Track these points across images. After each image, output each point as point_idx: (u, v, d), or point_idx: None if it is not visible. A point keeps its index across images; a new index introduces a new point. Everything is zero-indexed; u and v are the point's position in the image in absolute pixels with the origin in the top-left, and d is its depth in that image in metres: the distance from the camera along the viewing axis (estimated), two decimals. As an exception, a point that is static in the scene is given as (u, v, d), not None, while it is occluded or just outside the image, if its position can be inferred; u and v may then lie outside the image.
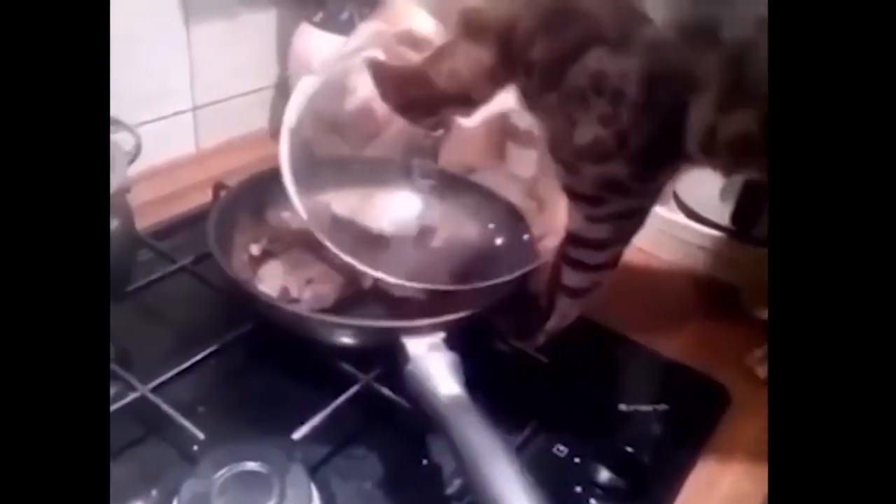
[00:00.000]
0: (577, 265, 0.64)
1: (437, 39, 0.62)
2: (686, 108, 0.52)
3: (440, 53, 0.60)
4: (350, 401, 0.59)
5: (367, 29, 0.66)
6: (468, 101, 0.62)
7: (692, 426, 0.64)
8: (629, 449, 0.59)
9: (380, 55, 0.63)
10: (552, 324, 0.68)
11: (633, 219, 0.62)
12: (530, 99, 0.60)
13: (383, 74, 0.62)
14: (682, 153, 0.55)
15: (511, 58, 0.58)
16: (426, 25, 0.63)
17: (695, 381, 0.68)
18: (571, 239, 0.63)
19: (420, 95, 0.62)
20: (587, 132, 0.55)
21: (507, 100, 0.67)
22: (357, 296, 0.70)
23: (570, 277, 0.65)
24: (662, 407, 0.65)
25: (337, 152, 0.78)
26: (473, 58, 0.59)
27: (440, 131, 0.72)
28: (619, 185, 0.58)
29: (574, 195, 0.61)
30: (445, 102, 0.62)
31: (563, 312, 0.67)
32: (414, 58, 0.62)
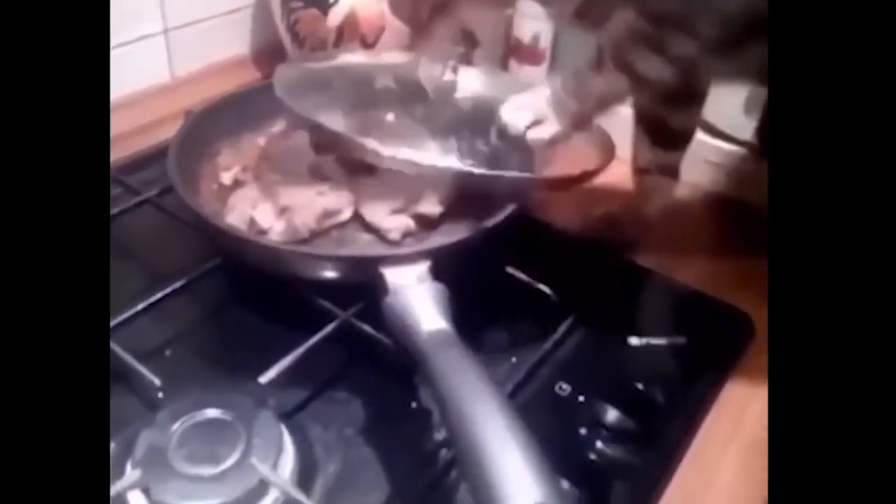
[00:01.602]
0: None
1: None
2: None
3: None
4: (328, 339, 0.53)
5: None
6: None
7: (711, 360, 0.57)
8: (640, 386, 0.53)
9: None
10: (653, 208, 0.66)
11: None
12: None
13: None
14: None
15: None
16: None
17: (715, 311, 0.62)
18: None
19: None
20: None
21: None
22: (336, 228, 0.64)
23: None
24: (679, 340, 0.58)
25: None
26: None
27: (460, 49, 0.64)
28: None
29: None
30: None
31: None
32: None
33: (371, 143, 0.56)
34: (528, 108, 0.59)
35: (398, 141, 0.66)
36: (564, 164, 0.62)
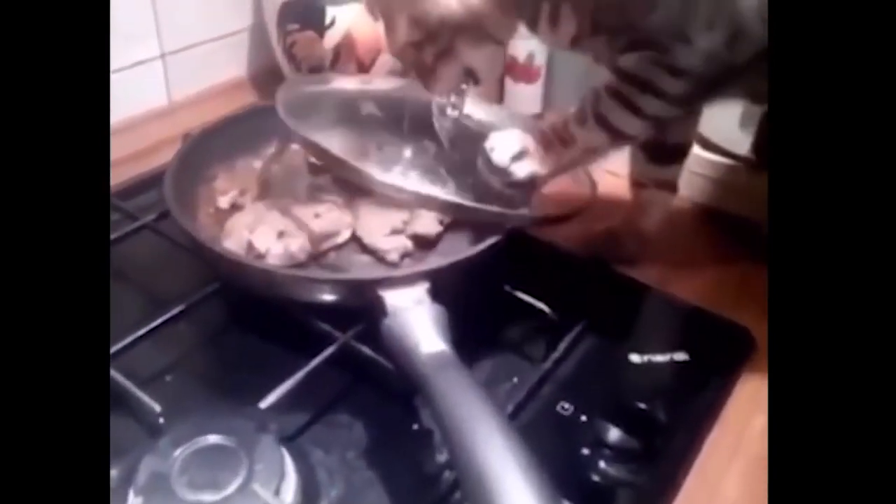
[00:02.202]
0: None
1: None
2: None
3: None
4: (328, 362, 0.53)
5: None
6: (478, 30, 0.59)
7: (713, 376, 0.57)
8: (642, 405, 0.53)
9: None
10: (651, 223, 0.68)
11: None
12: None
13: None
14: None
15: None
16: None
17: (715, 326, 0.61)
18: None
19: (419, 20, 0.58)
20: None
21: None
22: (333, 250, 0.64)
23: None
24: (679, 356, 0.58)
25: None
26: None
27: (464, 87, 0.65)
28: None
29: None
30: (454, 29, 0.58)
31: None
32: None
33: (366, 168, 0.57)
34: (514, 141, 0.60)
35: (388, 166, 0.67)
36: (549, 202, 0.64)
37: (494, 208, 0.58)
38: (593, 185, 0.66)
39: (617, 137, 0.59)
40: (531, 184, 0.61)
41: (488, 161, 0.61)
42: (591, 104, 0.59)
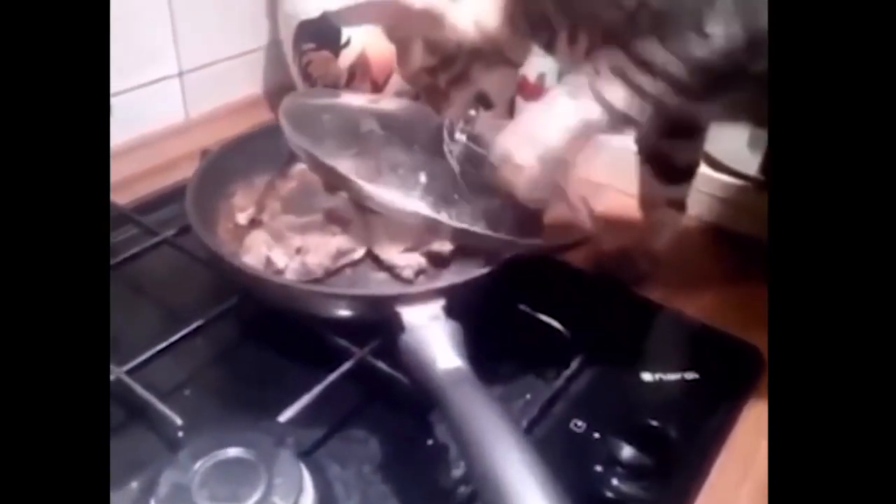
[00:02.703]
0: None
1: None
2: None
3: None
4: (345, 377, 0.54)
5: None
6: (492, 52, 0.59)
7: (724, 394, 0.58)
8: (654, 422, 0.53)
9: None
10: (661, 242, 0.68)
11: None
12: None
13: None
14: None
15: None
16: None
17: (725, 345, 0.62)
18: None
19: (436, 45, 0.59)
20: None
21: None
22: (349, 267, 0.65)
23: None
24: (690, 375, 0.59)
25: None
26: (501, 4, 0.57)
27: (472, 112, 0.66)
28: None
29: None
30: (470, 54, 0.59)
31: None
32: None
33: (367, 186, 0.57)
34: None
35: (402, 189, 0.68)
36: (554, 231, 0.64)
37: (504, 236, 0.58)
38: (591, 215, 0.66)
39: (614, 116, 0.56)
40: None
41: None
42: (591, 81, 0.56)
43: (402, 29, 0.62)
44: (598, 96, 0.56)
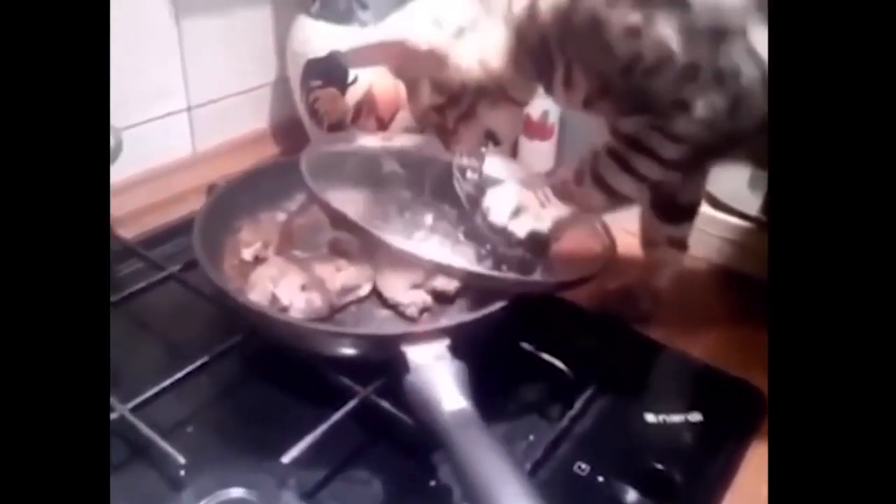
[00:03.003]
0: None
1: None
2: None
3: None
4: (348, 417, 0.54)
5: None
6: (496, 91, 0.61)
7: (728, 436, 0.57)
8: (659, 465, 0.53)
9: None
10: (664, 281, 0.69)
11: None
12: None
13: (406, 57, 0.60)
14: None
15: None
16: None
17: (729, 386, 0.62)
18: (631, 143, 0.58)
19: (442, 84, 0.60)
20: None
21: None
22: (354, 304, 0.65)
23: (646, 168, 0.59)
24: (694, 416, 0.59)
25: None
26: (504, 43, 0.58)
27: (483, 150, 0.67)
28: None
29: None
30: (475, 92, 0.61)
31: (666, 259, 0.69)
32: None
33: (384, 235, 0.58)
34: (509, 198, 0.62)
35: (409, 231, 0.68)
36: (564, 266, 0.65)
37: (512, 275, 0.59)
38: (612, 242, 0.66)
39: (613, 197, 0.60)
40: (539, 243, 0.62)
41: (487, 222, 0.61)
42: (590, 164, 0.60)
43: (409, 69, 0.64)
44: (596, 179, 0.59)
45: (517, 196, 0.62)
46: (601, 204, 0.61)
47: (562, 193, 0.62)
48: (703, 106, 0.53)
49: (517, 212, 0.61)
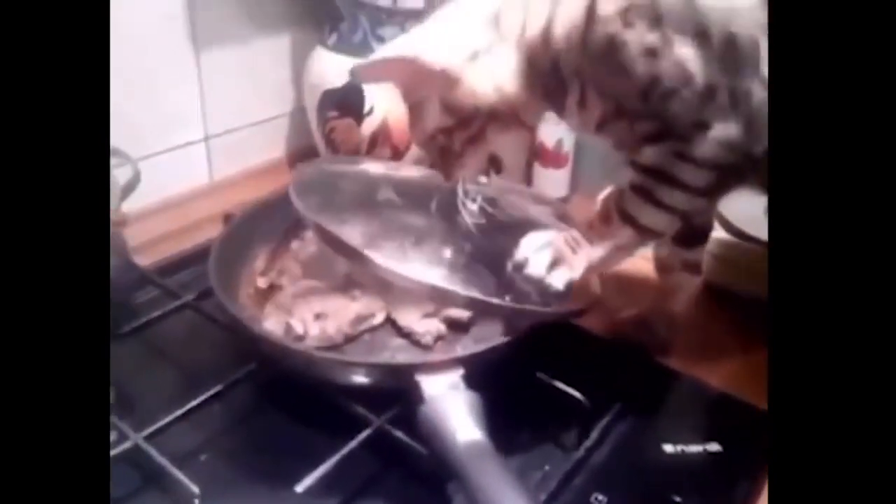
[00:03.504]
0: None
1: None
2: None
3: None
4: (362, 446, 0.53)
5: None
6: (508, 115, 0.60)
7: (746, 467, 0.56)
8: (677, 497, 0.52)
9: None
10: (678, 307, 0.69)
11: None
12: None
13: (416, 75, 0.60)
14: None
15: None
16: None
17: (748, 415, 0.61)
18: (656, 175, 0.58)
19: (453, 106, 0.60)
20: None
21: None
22: (368, 332, 0.65)
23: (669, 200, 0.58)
24: (713, 446, 0.58)
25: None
26: (517, 67, 0.58)
27: (484, 179, 0.67)
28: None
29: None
30: (486, 115, 0.60)
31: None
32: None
33: (377, 258, 0.57)
34: (545, 249, 0.60)
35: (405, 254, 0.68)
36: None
37: (514, 304, 0.58)
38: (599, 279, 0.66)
39: (644, 234, 0.60)
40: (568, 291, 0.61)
41: (522, 273, 0.60)
42: (616, 202, 0.60)
43: (418, 89, 0.63)
44: (625, 217, 0.59)
45: (551, 245, 0.61)
46: (633, 241, 0.61)
47: (587, 237, 0.62)
48: (722, 127, 0.53)
49: (554, 264, 0.60)
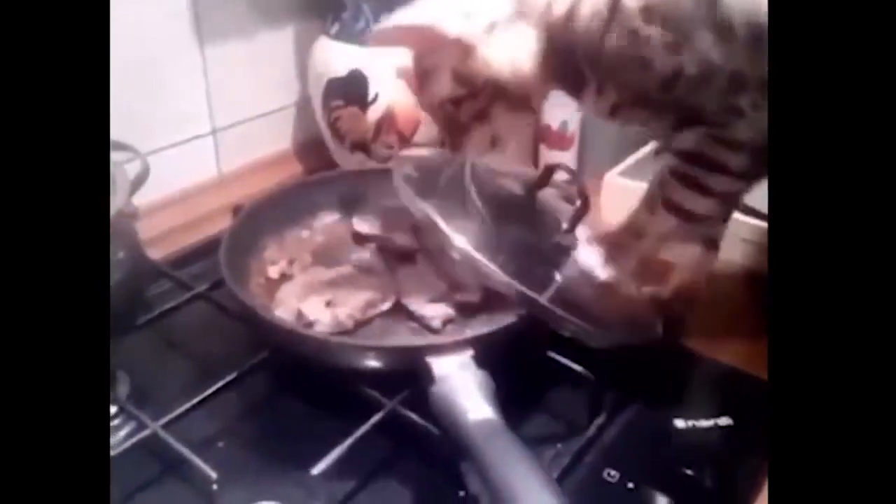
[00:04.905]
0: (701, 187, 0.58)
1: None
2: None
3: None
4: (375, 428, 0.54)
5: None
6: (517, 94, 0.59)
7: (758, 441, 0.56)
8: (689, 471, 0.53)
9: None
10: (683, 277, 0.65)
11: None
12: None
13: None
14: None
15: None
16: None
17: (757, 390, 0.61)
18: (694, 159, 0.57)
19: (465, 77, 0.59)
20: None
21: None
22: (378, 317, 0.65)
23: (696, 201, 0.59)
24: (724, 421, 0.58)
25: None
26: (537, 47, 0.57)
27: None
28: None
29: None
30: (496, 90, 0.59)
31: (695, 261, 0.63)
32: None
33: (490, 265, 0.56)
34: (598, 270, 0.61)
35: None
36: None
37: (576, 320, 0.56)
38: None
39: (689, 220, 0.59)
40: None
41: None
42: (659, 190, 0.59)
43: (432, 56, 0.62)
44: (669, 205, 0.58)
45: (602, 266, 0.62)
46: (677, 229, 0.60)
47: (630, 233, 0.62)
48: (755, 109, 0.53)
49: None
